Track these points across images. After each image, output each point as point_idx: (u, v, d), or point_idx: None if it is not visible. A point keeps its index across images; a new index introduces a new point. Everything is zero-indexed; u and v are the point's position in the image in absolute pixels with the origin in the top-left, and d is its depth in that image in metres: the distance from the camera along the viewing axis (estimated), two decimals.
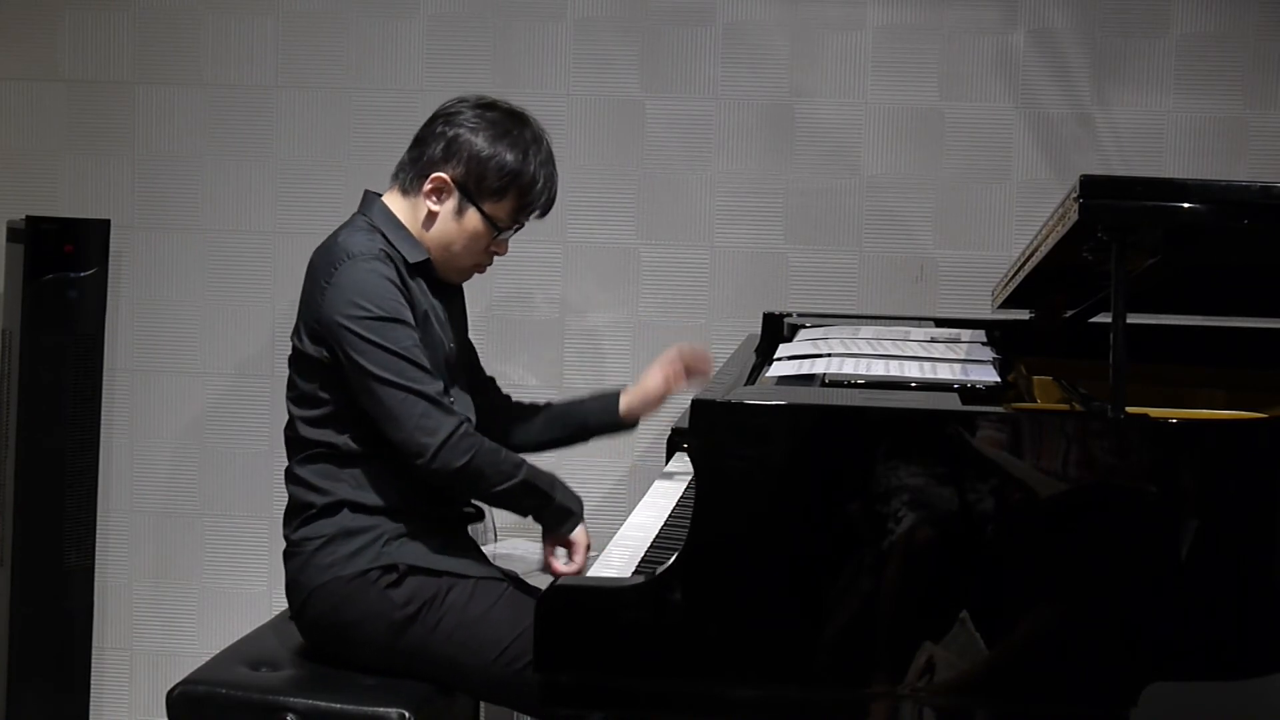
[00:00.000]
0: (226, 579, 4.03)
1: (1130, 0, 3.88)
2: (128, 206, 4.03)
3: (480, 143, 2.78)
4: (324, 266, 2.74)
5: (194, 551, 4.07)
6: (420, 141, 2.84)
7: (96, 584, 3.92)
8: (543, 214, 2.89)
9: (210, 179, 4.04)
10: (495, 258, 2.89)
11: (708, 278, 3.97)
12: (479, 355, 3.09)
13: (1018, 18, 3.89)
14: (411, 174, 2.83)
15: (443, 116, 2.83)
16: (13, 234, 3.86)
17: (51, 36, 4.04)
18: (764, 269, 3.95)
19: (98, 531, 3.91)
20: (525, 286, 4.00)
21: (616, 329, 4.00)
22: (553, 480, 2.80)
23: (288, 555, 2.77)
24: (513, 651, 2.62)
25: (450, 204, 2.79)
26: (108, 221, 3.88)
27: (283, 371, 2.83)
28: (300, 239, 3.95)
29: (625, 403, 3.08)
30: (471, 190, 2.78)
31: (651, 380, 3.09)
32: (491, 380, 3.12)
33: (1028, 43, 3.90)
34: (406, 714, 2.55)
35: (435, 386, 2.68)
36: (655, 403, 3.09)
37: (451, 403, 2.76)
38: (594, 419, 3.10)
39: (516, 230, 2.88)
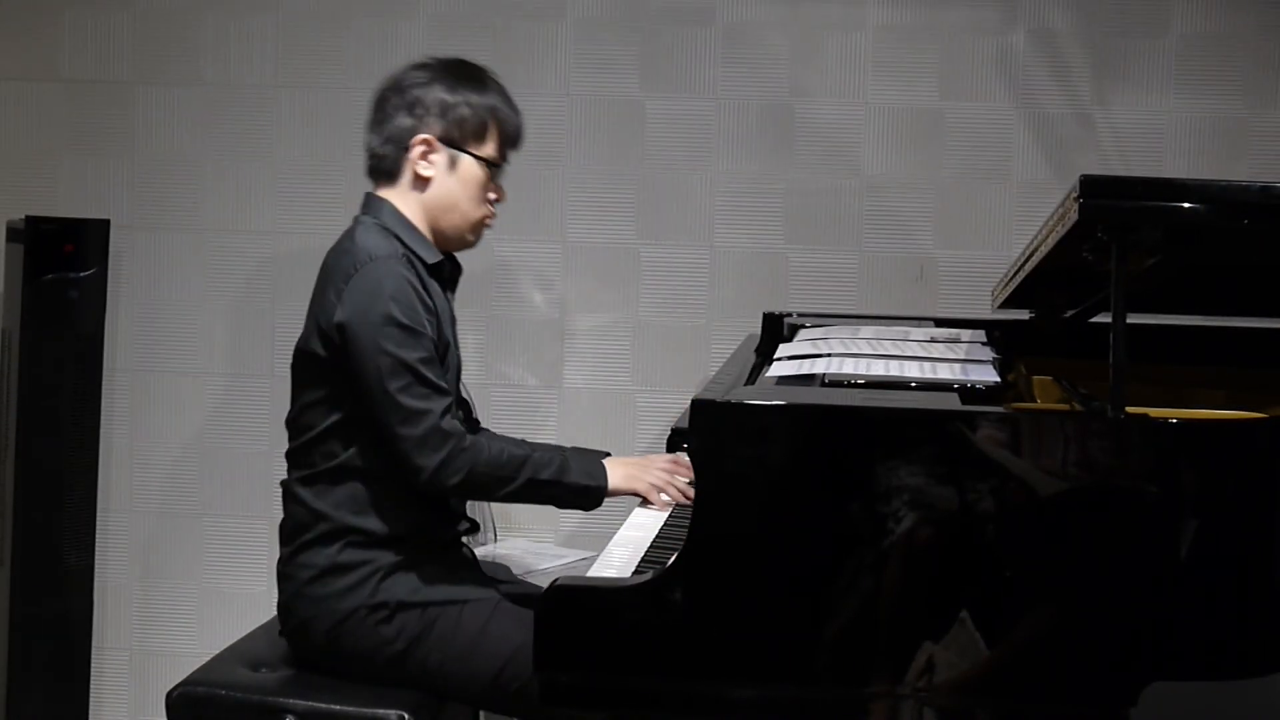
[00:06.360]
0: (226, 579, 4.03)
1: (1130, 0, 3.87)
2: (128, 206, 4.03)
3: (441, 93, 2.74)
4: (341, 268, 2.64)
5: (194, 551, 4.07)
6: (380, 123, 2.77)
7: (96, 584, 3.92)
8: (518, 144, 2.85)
9: (210, 179, 4.04)
10: (496, 207, 2.82)
11: (708, 278, 3.97)
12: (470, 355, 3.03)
13: (1018, 18, 3.89)
14: (392, 156, 2.76)
15: (390, 90, 2.78)
16: (13, 234, 3.86)
17: (51, 36, 4.04)
18: (764, 269, 3.95)
19: (98, 531, 3.90)
20: (525, 286, 4.00)
21: (616, 329, 3.99)
22: (563, 462, 2.71)
23: (281, 575, 2.71)
24: (510, 672, 2.58)
25: (441, 161, 2.74)
26: (108, 221, 3.87)
27: (283, 371, 2.81)
28: (300, 239, 3.96)
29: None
30: (456, 138, 2.74)
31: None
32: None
33: (1028, 43, 3.89)
34: (406, 716, 2.55)
35: (443, 403, 2.60)
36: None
37: (457, 413, 2.71)
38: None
39: (505, 168, 2.84)
